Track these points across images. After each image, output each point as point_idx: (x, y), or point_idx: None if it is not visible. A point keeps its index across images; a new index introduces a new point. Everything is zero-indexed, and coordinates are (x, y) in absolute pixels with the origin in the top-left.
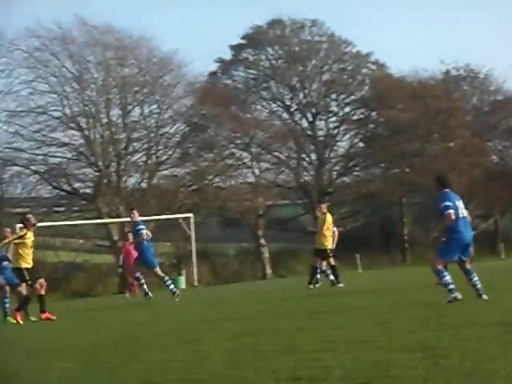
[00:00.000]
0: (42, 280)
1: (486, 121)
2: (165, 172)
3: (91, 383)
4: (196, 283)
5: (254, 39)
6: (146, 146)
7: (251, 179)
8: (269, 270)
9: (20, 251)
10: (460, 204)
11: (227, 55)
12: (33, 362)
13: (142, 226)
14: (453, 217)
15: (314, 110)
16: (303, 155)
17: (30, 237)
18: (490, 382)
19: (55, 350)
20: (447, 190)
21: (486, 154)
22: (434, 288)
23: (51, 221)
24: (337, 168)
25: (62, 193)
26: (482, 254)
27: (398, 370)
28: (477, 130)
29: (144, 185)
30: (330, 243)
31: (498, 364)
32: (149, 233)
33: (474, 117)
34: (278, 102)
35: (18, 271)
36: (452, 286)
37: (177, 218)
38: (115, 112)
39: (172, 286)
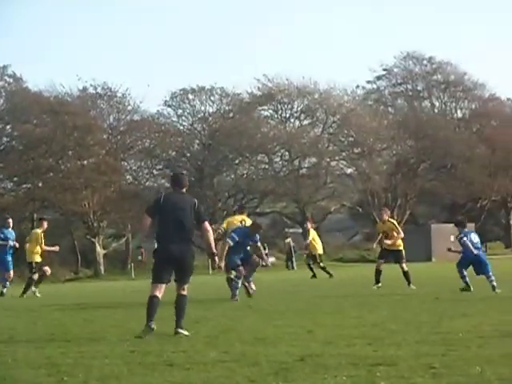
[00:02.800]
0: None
1: (122, 140)
2: None
3: None
4: None
5: None
6: None
7: None
8: None
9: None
10: None
11: None
12: None
13: None
14: None
15: None
16: None
17: None
18: None
19: None
20: None
21: (121, 173)
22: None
23: None
24: None
25: None
26: (114, 273)
27: None
28: (112, 148)
29: None
30: None
31: (123, 383)
32: None
33: (110, 135)
34: None
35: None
36: None
37: None
38: None
39: None
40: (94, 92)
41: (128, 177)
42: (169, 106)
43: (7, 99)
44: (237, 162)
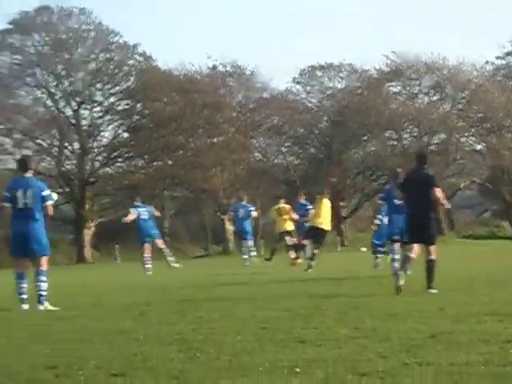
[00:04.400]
0: None
1: (251, 118)
2: None
3: None
4: None
5: (21, 25)
6: None
7: (12, 165)
8: None
9: None
10: None
11: None
12: None
13: None
14: None
15: (78, 99)
16: (66, 144)
17: None
18: (247, 377)
19: None
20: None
21: (250, 151)
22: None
23: None
24: (100, 158)
25: None
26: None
27: (154, 361)
28: (241, 126)
29: None
30: None
31: (256, 359)
32: None
33: (239, 113)
34: (43, 89)
35: None
36: None
37: None
38: None
39: None
40: (223, 70)
41: (257, 154)
42: (297, 83)
43: (138, 78)
44: (365, 138)
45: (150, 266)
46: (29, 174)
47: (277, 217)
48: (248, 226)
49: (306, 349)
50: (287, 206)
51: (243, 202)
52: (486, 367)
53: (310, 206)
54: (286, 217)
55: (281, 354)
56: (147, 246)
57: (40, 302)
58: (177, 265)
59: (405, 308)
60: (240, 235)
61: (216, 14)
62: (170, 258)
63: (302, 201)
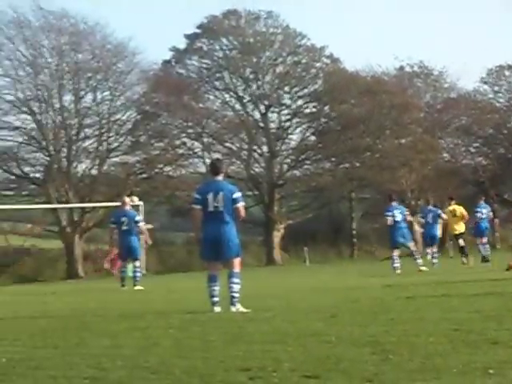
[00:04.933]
0: None
1: (439, 118)
2: (115, 159)
3: (40, 367)
4: (144, 271)
5: (209, 29)
6: (97, 132)
7: (202, 169)
8: None
9: None
10: None
11: (182, 44)
12: None
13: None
14: None
15: (266, 102)
16: (255, 147)
17: None
18: (440, 379)
19: (3, 332)
20: None
21: (438, 152)
22: (383, 284)
23: (0, 204)
24: (288, 161)
25: (12, 177)
26: None
27: (347, 364)
28: (429, 127)
29: (94, 171)
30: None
31: (449, 361)
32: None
33: (426, 114)
34: (231, 93)
35: None
36: None
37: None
38: (68, 97)
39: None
40: (410, 71)
41: (445, 155)
42: (485, 82)
43: (325, 80)
44: None
45: (398, 265)
46: (220, 178)
47: (450, 218)
48: (436, 231)
49: (498, 350)
50: (459, 208)
51: (429, 206)
52: None
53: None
54: (458, 218)
55: (474, 356)
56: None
57: (232, 304)
58: (424, 268)
59: None
60: (427, 240)
61: (402, 14)
62: (419, 261)
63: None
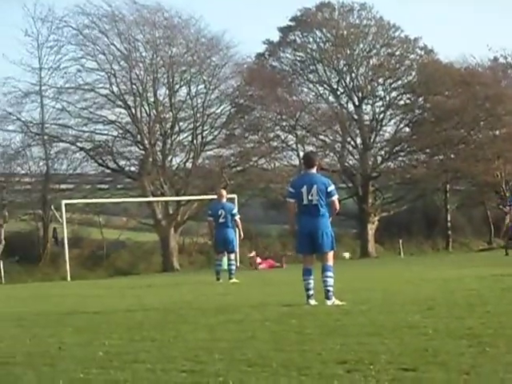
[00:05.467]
0: None
1: None
2: (210, 152)
3: (137, 361)
4: (238, 264)
5: (303, 22)
6: (191, 125)
7: (296, 162)
8: None
9: None
10: None
11: (275, 37)
12: (77, 338)
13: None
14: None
15: (360, 94)
16: (348, 139)
17: None
18: None
19: (100, 326)
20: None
21: None
22: (478, 275)
23: (96, 198)
24: (381, 153)
25: (107, 170)
26: None
27: (444, 356)
28: None
29: (189, 165)
30: None
31: None
32: None
33: None
34: (325, 85)
35: None
36: None
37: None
38: (162, 91)
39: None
40: (504, 62)
41: None
42: None
43: (419, 71)
44: None
45: None
46: (313, 170)
47: None
48: None
49: None
50: None
51: None
52: None
53: None
54: None
55: None
56: None
57: (327, 298)
58: None
59: None
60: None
61: (495, 3)
62: None
63: None
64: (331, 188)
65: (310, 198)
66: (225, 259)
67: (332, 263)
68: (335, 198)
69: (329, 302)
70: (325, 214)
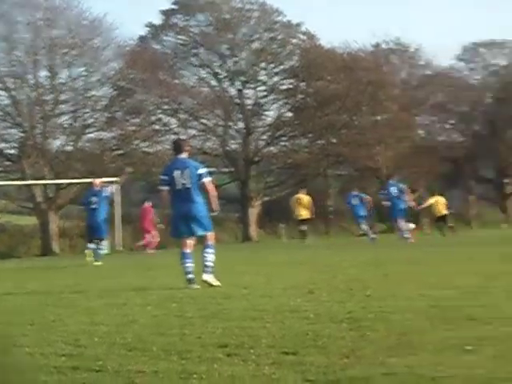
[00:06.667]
0: None
1: (415, 95)
2: (91, 135)
3: (17, 345)
4: (120, 248)
5: (185, 5)
6: (72, 108)
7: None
8: None
9: None
10: None
11: (158, 20)
12: None
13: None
14: None
15: (242, 78)
16: (230, 123)
17: None
18: (416, 356)
19: None
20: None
21: (413, 129)
22: (359, 260)
23: None
24: (264, 137)
25: None
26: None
27: (325, 340)
28: (405, 104)
29: (69, 148)
30: None
31: (425, 338)
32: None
33: (402, 91)
34: (207, 69)
35: None
36: None
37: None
38: (43, 73)
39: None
40: (386, 47)
41: (421, 132)
42: (461, 60)
43: (302, 56)
44: None
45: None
46: (183, 155)
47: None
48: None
49: (475, 327)
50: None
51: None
52: None
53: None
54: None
55: (451, 332)
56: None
57: (205, 272)
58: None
59: None
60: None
61: None
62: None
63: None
64: (203, 171)
65: (183, 182)
66: (104, 243)
67: (212, 243)
68: (206, 180)
69: (205, 276)
70: (199, 197)
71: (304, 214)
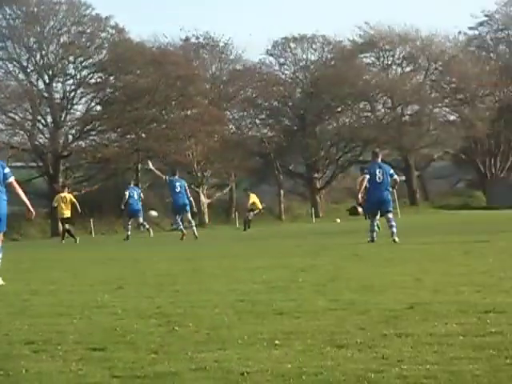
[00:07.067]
0: None
1: (225, 90)
2: None
3: None
4: None
5: None
6: None
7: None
8: None
9: None
10: None
11: None
12: None
13: None
14: None
15: (51, 72)
16: (39, 117)
17: None
18: (225, 350)
19: None
20: None
21: (224, 123)
22: (169, 255)
23: None
24: (73, 131)
25: None
26: (217, 222)
27: (133, 335)
28: (215, 98)
29: None
30: None
31: (234, 332)
32: None
33: (212, 85)
34: (14, 63)
35: None
36: None
37: None
38: None
39: None
40: (196, 42)
41: (231, 126)
42: (271, 54)
43: (110, 50)
44: (339, 110)
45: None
46: None
47: None
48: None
49: (284, 321)
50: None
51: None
52: (464, 338)
53: None
54: None
55: (260, 327)
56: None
57: None
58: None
59: (382, 279)
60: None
61: None
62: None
63: None
64: (6, 170)
65: None
66: None
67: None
68: (11, 179)
69: None
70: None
71: (66, 213)
